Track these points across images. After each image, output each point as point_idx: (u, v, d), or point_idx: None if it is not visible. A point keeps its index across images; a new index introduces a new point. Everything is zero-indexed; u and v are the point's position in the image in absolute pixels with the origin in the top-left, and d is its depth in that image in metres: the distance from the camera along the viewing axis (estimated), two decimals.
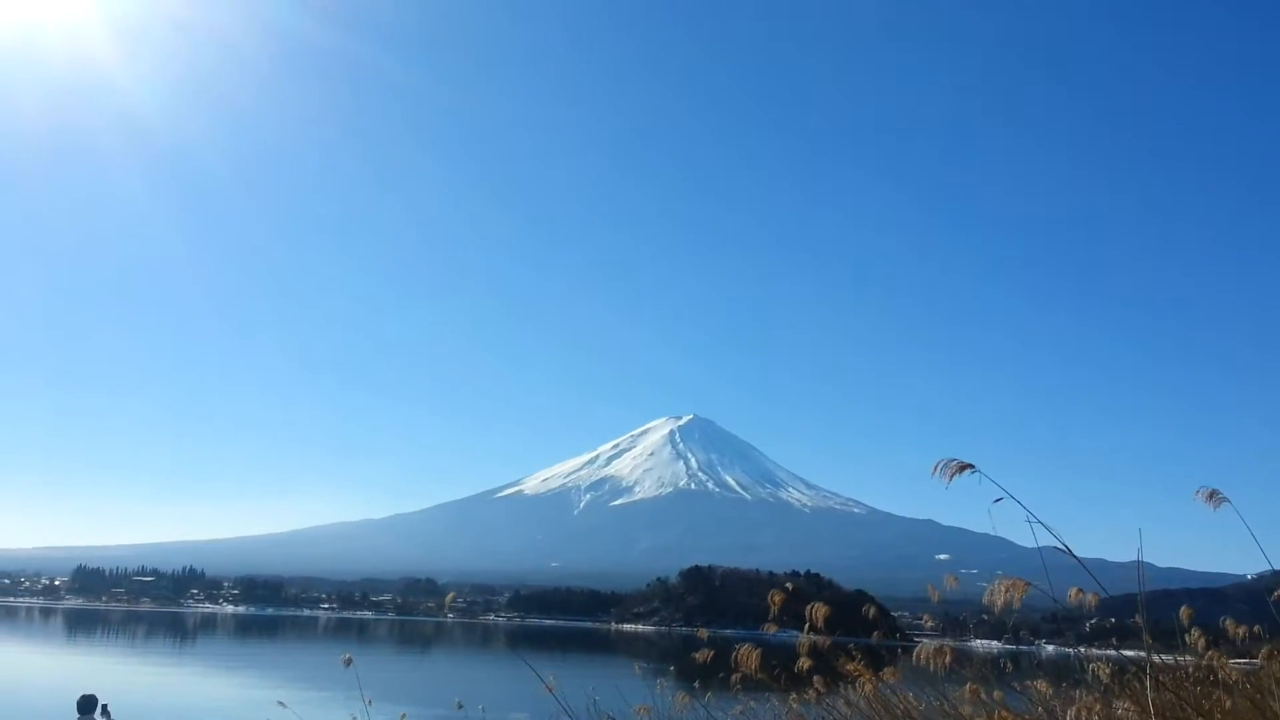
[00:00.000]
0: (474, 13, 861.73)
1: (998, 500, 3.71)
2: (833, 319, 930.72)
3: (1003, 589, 3.53)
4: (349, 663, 8.71)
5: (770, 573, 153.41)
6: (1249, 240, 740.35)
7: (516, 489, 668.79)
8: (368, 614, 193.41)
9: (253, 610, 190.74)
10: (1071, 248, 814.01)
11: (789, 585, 6.72)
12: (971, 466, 3.74)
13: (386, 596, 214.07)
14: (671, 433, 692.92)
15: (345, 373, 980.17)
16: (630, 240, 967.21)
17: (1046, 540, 4.35)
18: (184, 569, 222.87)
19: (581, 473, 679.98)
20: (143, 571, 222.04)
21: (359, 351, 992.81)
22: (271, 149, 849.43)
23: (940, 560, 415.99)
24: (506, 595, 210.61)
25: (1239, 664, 6.19)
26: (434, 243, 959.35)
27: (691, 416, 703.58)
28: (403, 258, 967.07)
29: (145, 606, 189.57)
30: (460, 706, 12.38)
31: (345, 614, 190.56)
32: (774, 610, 5.76)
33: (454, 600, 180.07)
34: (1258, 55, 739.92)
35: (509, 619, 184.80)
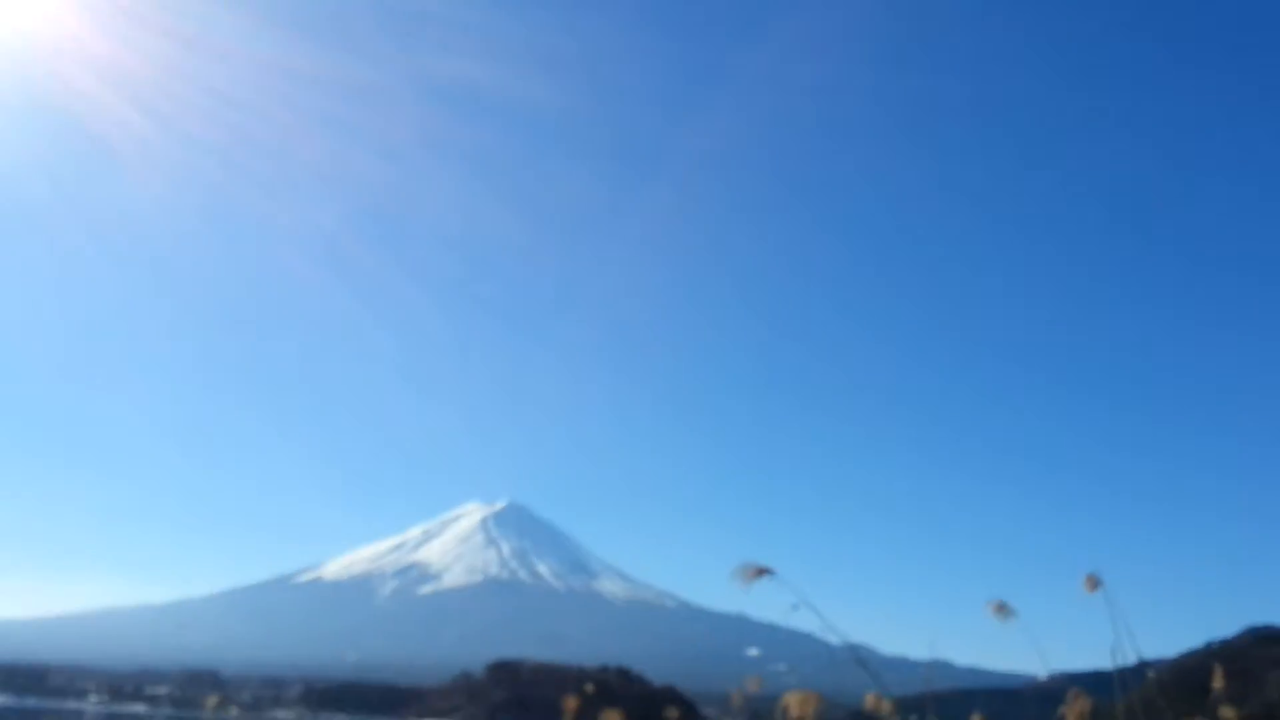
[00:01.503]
0: None
1: (795, 607, 3.73)
2: (651, 411, 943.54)
3: (796, 702, 3.47)
4: None
5: (580, 667, 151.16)
6: (1036, 359, 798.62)
7: (315, 574, 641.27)
8: (140, 708, 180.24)
9: (11, 701, 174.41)
10: (855, 357, 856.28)
11: (588, 687, 6.49)
12: (770, 570, 3.74)
13: (163, 689, 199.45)
14: (484, 519, 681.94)
15: (126, 443, 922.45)
16: (443, 320, 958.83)
17: (851, 638, 4.46)
18: None
19: (387, 558, 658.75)
20: None
21: (145, 419, 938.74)
22: None
23: (750, 655, 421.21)
24: (297, 689, 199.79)
25: None
26: (230, 304, 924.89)
27: (506, 503, 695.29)
28: (201, 322, 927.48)
29: None
30: None
31: (116, 707, 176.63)
32: (569, 715, 5.53)
33: (226, 699, 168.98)
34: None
35: (299, 715, 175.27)
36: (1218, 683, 5.24)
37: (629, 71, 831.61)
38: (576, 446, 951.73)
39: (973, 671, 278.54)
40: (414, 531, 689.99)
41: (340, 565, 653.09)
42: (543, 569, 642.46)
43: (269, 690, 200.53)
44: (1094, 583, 4.54)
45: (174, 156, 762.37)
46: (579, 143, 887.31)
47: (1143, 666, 5.22)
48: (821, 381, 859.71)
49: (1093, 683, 5.31)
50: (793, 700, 3.48)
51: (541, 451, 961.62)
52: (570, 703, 5.45)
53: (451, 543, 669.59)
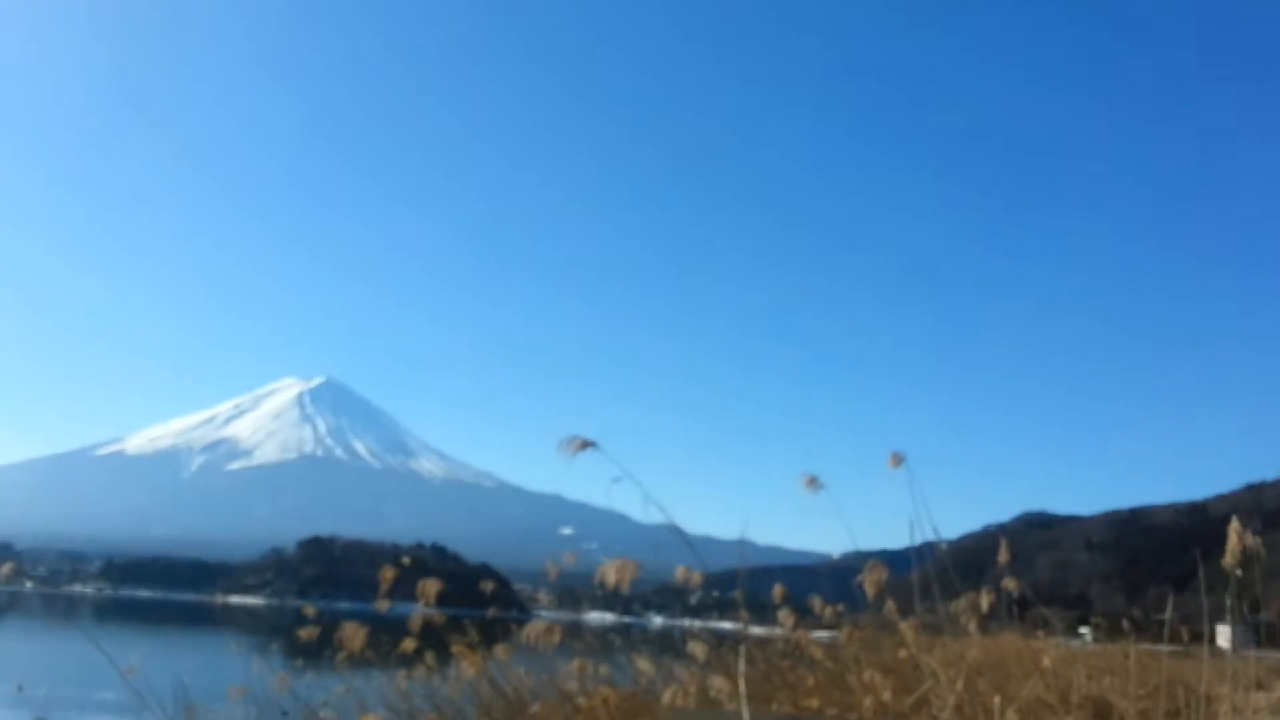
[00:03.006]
0: None
1: (616, 479, 3.76)
2: (471, 282, 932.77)
3: (613, 569, 3.53)
4: None
5: (394, 544, 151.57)
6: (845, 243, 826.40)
7: (118, 447, 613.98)
8: None
9: None
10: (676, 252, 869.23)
11: (405, 560, 6.47)
12: (593, 444, 3.75)
13: None
14: (300, 395, 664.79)
15: None
16: (262, 186, 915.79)
17: (662, 518, 4.58)
18: None
19: (195, 433, 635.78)
20: None
21: None
22: None
23: (564, 534, 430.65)
24: (97, 563, 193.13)
25: (822, 638, 6.74)
26: (48, 153, 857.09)
27: (323, 379, 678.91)
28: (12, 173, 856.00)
29: None
30: (21, 689, 11.00)
31: None
32: (385, 586, 5.49)
33: (20, 570, 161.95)
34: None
35: (99, 590, 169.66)
36: (1003, 557, 5.64)
37: None
38: (397, 323, 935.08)
39: (773, 550, 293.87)
40: (225, 406, 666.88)
41: (144, 438, 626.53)
42: (360, 447, 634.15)
43: (67, 564, 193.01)
44: (897, 459, 4.75)
45: None
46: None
47: (934, 544, 5.57)
48: (636, 258, 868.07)
49: (883, 559, 5.60)
50: (610, 568, 3.53)
51: (361, 327, 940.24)
52: (387, 573, 5.40)
53: (265, 418, 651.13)
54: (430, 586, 5.27)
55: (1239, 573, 4.01)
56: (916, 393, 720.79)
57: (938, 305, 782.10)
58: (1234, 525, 4.00)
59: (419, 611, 6.35)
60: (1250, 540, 3.92)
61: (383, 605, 6.26)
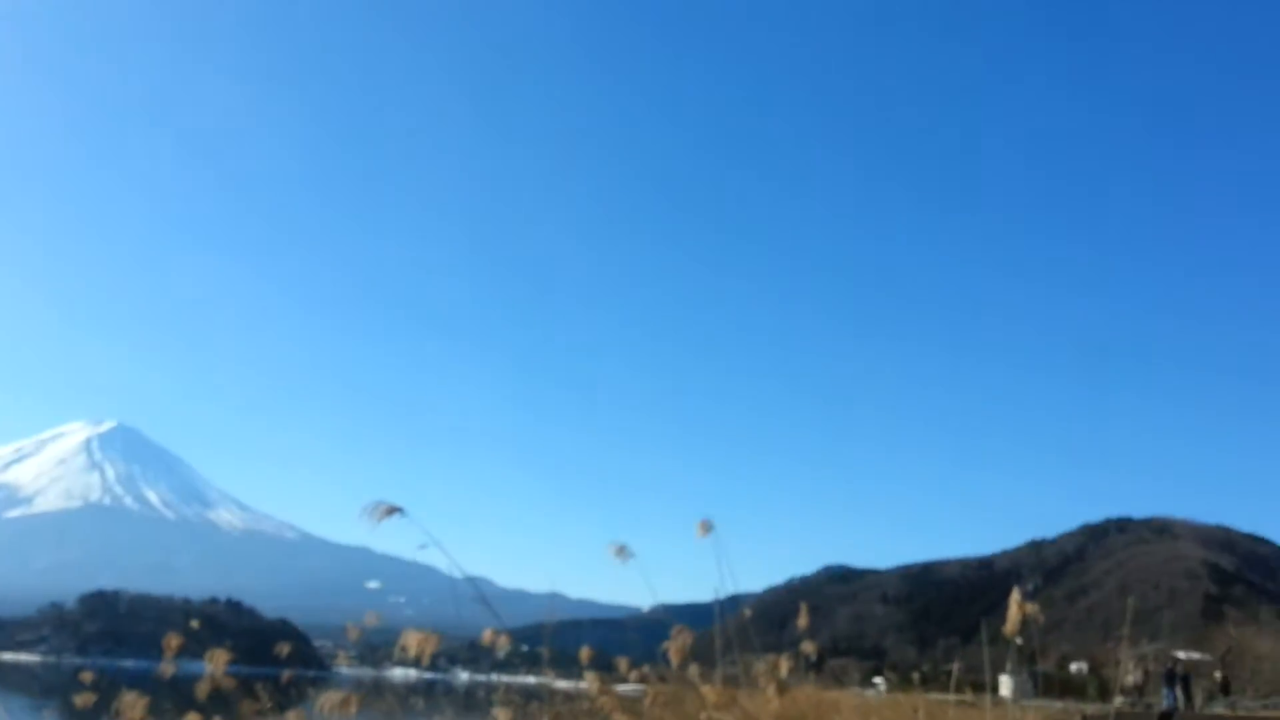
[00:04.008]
0: None
1: (423, 546, 3.75)
2: (280, 327, 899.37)
3: (415, 640, 3.46)
4: None
5: (186, 599, 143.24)
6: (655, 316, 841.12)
7: None
8: None
9: None
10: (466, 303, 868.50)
11: (194, 623, 6.12)
12: (400, 510, 3.71)
13: None
14: (88, 440, 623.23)
15: None
16: (58, 224, 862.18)
17: (472, 571, 4.58)
18: None
19: None
20: None
21: None
22: None
23: (371, 588, 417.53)
24: None
25: (628, 691, 6.79)
26: None
27: (114, 423, 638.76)
28: None
29: None
30: None
31: None
32: (170, 653, 5.17)
33: None
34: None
35: None
36: (802, 620, 5.82)
37: None
38: (197, 368, 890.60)
39: (585, 603, 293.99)
40: (3, 450, 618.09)
41: None
42: (152, 496, 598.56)
43: None
44: (706, 528, 4.87)
45: None
46: None
47: (737, 599, 5.71)
48: (452, 315, 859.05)
49: (689, 614, 5.71)
50: (412, 640, 3.45)
51: (158, 369, 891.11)
52: (172, 641, 5.09)
53: (48, 464, 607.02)
54: (220, 656, 5.00)
55: (1019, 641, 4.28)
56: (724, 447, 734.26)
57: (747, 364, 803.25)
58: (1014, 595, 4.27)
59: (209, 672, 6.04)
60: (1030, 608, 4.20)
61: (167, 670, 5.91)
